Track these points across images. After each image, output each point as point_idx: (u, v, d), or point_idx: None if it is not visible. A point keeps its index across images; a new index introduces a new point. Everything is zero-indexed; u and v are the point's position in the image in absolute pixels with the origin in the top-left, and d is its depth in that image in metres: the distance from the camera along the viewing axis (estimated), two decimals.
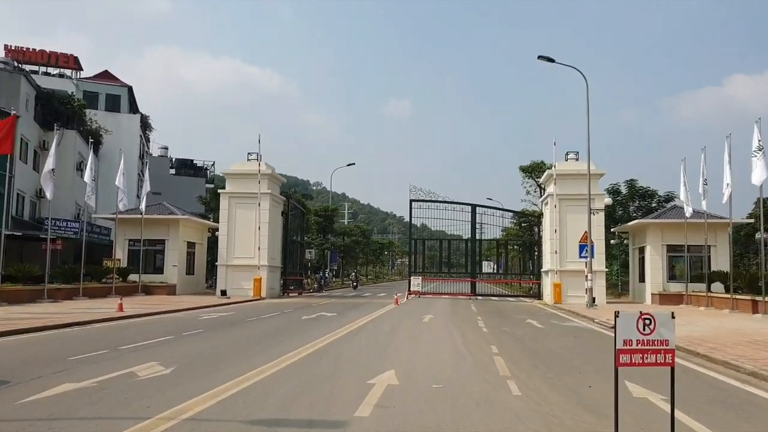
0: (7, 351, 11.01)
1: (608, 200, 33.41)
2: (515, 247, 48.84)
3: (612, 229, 36.99)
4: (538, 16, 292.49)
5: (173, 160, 72.05)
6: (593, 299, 26.21)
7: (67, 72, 53.07)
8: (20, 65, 44.25)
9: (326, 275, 53.97)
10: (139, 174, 51.86)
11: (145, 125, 59.95)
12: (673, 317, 4.98)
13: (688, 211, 27.51)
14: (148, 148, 64.16)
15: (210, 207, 48.68)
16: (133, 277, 32.61)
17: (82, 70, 54.42)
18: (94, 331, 14.96)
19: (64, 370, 8.89)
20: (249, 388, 7.64)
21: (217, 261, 34.36)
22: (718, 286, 26.63)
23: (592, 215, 27.39)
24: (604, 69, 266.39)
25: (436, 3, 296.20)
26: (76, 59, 53.35)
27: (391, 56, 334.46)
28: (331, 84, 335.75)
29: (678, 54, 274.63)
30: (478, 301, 32.18)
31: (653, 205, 41.10)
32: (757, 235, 39.38)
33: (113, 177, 30.98)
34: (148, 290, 32.04)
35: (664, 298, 29.41)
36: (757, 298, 21.57)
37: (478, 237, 36.28)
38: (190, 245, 37.05)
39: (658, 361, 4.76)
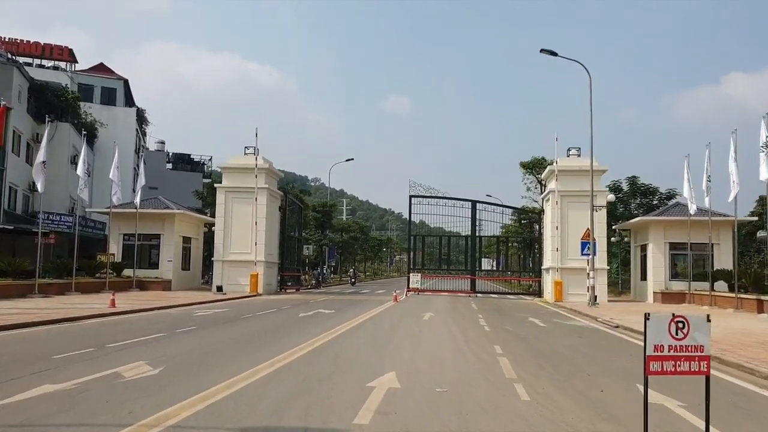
0: None
1: (611, 197, 32.91)
2: (514, 244, 48.37)
3: (614, 227, 36.52)
4: (536, 15, 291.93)
5: (170, 154, 71.41)
6: (595, 297, 25.78)
7: (62, 65, 52.41)
8: (14, 57, 43.65)
9: (324, 271, 53.50)
10: (134, 168, 51.24)
11: (141, 119, 59.32)
12: (709, 320, 4.47)
13: (692, 208, 27.09)
14: (145, 142, 63.52)
15: (207, 202, 48.17)
16: (127, 272, 32.12)
17: (77, 62, 53.77)
18: (83, 327, 14.47)
19: (46, 369, 8.42)
20: (241, 391, 7.17)
21: (213, 256, 33.87)
22: (721, 285, 26.20)
23: (594, 212, 26.94)
24: (603, 68, 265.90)
25: (436, 1, 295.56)
26: (71, 51, 52.67)
27: (390, 53, 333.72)
28: (330, 81, 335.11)
29: (676, 53, 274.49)
30: (478, 299, 31.73)
31: (654, 202, 40.63)
32: (759, 233, 39.04)
33: (109, 171, 30.46)
34: (142, 286, 31.54)
35: (666, 296, 28.97)
36: (763, 298, 21.17)
37: (477, 234, 35.79)
38: (186, 240, 36.56)
39: (692, 369, 4.30)
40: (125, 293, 27.85)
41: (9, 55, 42.10)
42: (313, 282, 45.97)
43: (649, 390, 7.85)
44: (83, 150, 27.52)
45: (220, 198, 33.78)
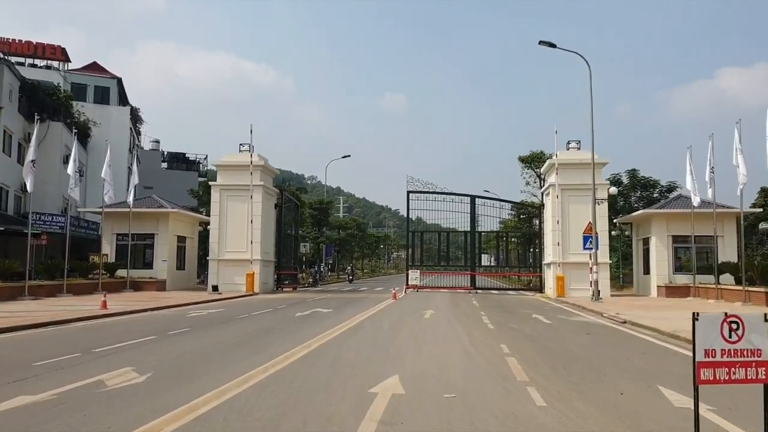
0: None
1: (613, 189, 32.38)
2: (513, 239, 47.82)
3: (615, 220, 36.00)
4: (531, 11, 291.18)
5: (165, 153, 70.67)
6: (598, 292, 25.27)
7: (55, 64, 51.67)
8: (5, 56, 42.92)
9: (321, 269, 52.84)
10: (129, 167, 50.54)
11: (135, 118, 58.61)
12: (767, 320, 3.89)
13: (696, 200, 26.57)
14: (139, 141, 62.86)
15: (202, 200, 47.51)
16: (121, 272, 31.43)
17: (70, 62, 52.98)
18: (71, 331, 13.88)
19: (24, 378, 7.84)
20: (232, 401, 6.60)
21: (208, 255, 33.25)
22: (727, 278, 25.71)
23: (597, 205, 26.41)
24: (597, 64, 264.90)
25: None
26: (63, 50, 51.91)
27: (386, 50, 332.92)
28: (326, 78, 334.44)
29: (669, 48, 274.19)
30: (478, 295, 31.18)
31: (655, 195, 40.19)
32: (762, 225, 38.56)
33: (111, 172, 29.62)
34: (136, 286, 30.91)
35: (670, 290, 28.43)
36: None
37: (477, 229, 35.23)
38: (181, 239, 35.91)
39: (749, 377, 3.74)
40: (118, 294, 27.25)
41: (0, 55, 41.44)
42: (311, 280, 45.36)
43: (671, 392, 7.35)
44: (74, 148, 26.87)
45: (214, 196, 33.17)
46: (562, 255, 29.65)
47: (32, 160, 23.33)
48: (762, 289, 21.48)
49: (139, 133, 62.15)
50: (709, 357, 3.82)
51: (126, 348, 10.75)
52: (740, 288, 22.70)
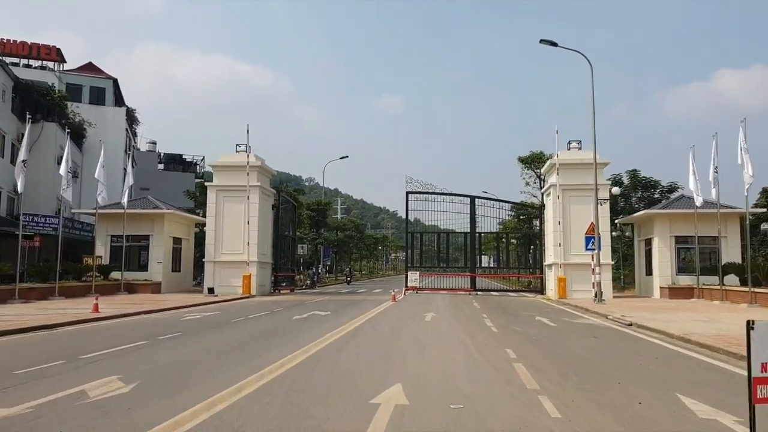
0: None
1: (616, 189, 31.94)
2: (513, 240, 47.33)
3: (616, 221, 35.55)
4: (530, 9, 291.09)
5: (162, 155, 70.14)
6: (600, 294, 24.81)
7: (50, 64, 51.11)
8: None
9: (319, 271, 52.33)
10: (125, 168, 50.05)
11: (131, 119, 58.03)
12: None
13: (699, 200, 26.13)
14: (135, 143, 62.28)
15: (199, 201, 47.01)
16: (115, 274, 30.93)
17: (65, 62, 52.39)
18: (59, 336, 13.38)
19: (3, 389, 7.34)
20: (222, 414, 6.12)
21: (204, 257, 32.74)
22: (732, 279, 25.30)
23: (599, 205, 25.97)
24: (595, 65, 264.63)
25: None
26: (58, 51, 51.33)
27: (384, 51, 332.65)
28: (324, 80, 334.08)
29: (666, 49, 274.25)
30: (478, 297, 30.72)
31: (656, 196, 39.75)
32: (763, 226, 38.16)
33: (105, 173, 29.04)
34: (131, 288, 30.40)
35: (673, 291, 27.99)
36: None
37: (477, 230, 34.75)
38: (176, 241, 35.41)
39: None
40: (112, 297, 26.74)
41: None
42: (308, 282, 44.83)
43: (693, 402, 6.88)
44: (67, 148, 26.32)
45: (211, 197, 32.64)
46: (563, 256, 29.20)
47: (23, 161, 22.84)
48: None
49: (135, 135, 61.58)
50: (767, 372, 3.33)
51: (114, 354, 10.26)
52: (746, 289, 22.30)
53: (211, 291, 29.66)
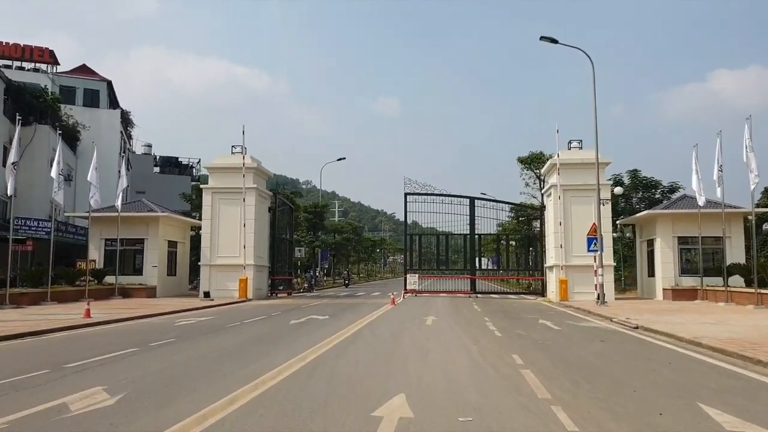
0: None
1: (619, 189, 31.54)
2: (512, 242, 46.88)
3: (617, 221, 35.12)
4: (528, 10, 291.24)
5: (157, 158, 69.62)
6: (603, 296, 24.37)
7: (43, 67, 50.57)
8: None
9: (317, 274, 51.86)
10: (120, 171, 49.50)
11: (126, 121, 57.57)
12: None
13: (701, 200, 25.75)
14: (131, 145, 61.79)
15: (195, 204, 46.51)
16: (109, 279, 30.41)
17: (58, 64, 51.94)
18: (47, 343, 12.89)
19: None
20: (214, 428, 5.66)
21: (200, 261, 32.23)
22: (737, 280, 24.88)
23: (601, 205, 25.56)
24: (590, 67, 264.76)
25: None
26: (51, 53, 50.84)
27: (379, 53, 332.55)
28: (319, 84, 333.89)
29: (663, 50, 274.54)
30: (479, 300, 30.27)
31: (657, 196, 39.37)
32: (765, 226, 37.77)
33: (97, 176, 28.51)
34: (126, 293, 29.89)
35: (676, 293, 27.57)
36: None
37: (476, 232, 34.28)
38: (172, 244, 34.89)
39: None
40: (106, 302, 26.24)
41: None
42: (306, 285, 44.35)
43: (718, 412, 6.41)
44: (58, 150, 25.79)
45: (206, 199, 32.14)
46: (564, 258, 28.76)
47: (13, 163, 22.32)
48: None
49: (130, 137, 61.11)
50: None
51: (101, 362, 9.78)
52: (752, 290, 21.90)
53: (207, 295, 29.16)
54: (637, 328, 15.62)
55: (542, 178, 40.03)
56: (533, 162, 41.81)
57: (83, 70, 55.86)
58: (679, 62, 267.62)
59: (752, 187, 21.04)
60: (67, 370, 9.00)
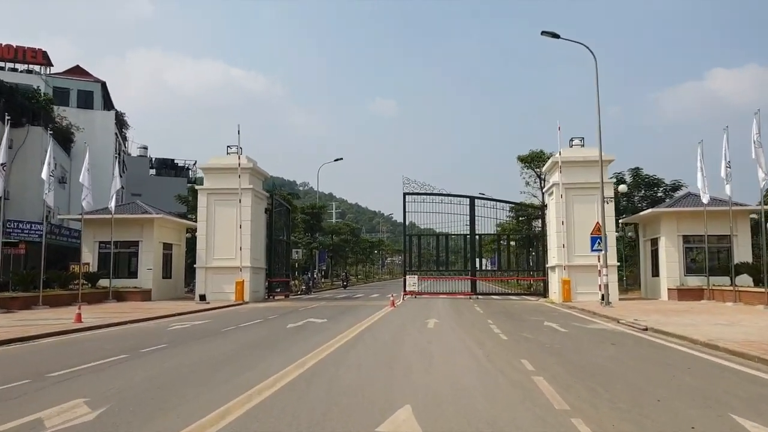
0: None
1: (623, 187, 31.02)
2: (512, 243, 46.34)
3: (620, 220, 34.57)
4: (526, 9, 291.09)
5: (153, 160, 69.03)
6: (608, 296, 23.82)
7: (36, 68, 49.92)
8: None
9: (314, 276, 51.29)
10: (114, 173, 48.86)
11: (120, 123, 56.90)
12: None
13: (706, 198, 25.22)
14: (126, 147, 61.15)
15: (191, 206, 45.91)
16: (104, 282, 29.78)
17: (52, 65, 51.33)
18: (33, 349, 12.32)
19: None
20: None
21: (196, 263, 31.62)
22: (744, 279, 24.34)
23: (605, 204, 25.02)
24: (589, 67, 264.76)
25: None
26: (45, 54, 50.20)
27: (376, 54, 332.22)
28: (316, 84, 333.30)
29: (659, 50, 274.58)
30: (480, 301, 29.72)
31: (659, 194, 38.86)
32: None
33: (90, 177, 27.83)
34: (120, 296, 29.26)
35: (682, 293, 27.04)
36: None
37: (477, 232, 33.70)
38: (167, 247, 34.28)
39: None
40: (99, 305, 25.65)
41: None
42: (303, 287, 43.75)
43: (754, 424, 5.87)
44: (50, 150, 25.19)
45: (201, 200, 31.55)
46: (567, 257, 28.21)
47: (2, 164, 21.72)
48: None
49: (125, 139, 60.46)
50: None
51: (87, 371, 9.21)
52: (761, 290, 21.39)
53: (202, 298, 28.59)
54: (646, 329, 15.09)
55: (543, 176, 39.53)
56: (533, 161, 41.29)
57: (77, 71, 55.24)
58: (675, 61, 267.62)
59: (762, 184, 20.45)
60: (49, 380, 8.43)
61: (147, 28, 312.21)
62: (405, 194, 33.63)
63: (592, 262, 26.23)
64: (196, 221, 34.93)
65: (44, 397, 7.32)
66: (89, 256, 31.27)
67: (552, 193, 30.17)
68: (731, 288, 23.68)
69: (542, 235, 32.97)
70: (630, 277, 39.37)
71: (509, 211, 39.07)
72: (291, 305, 27.33)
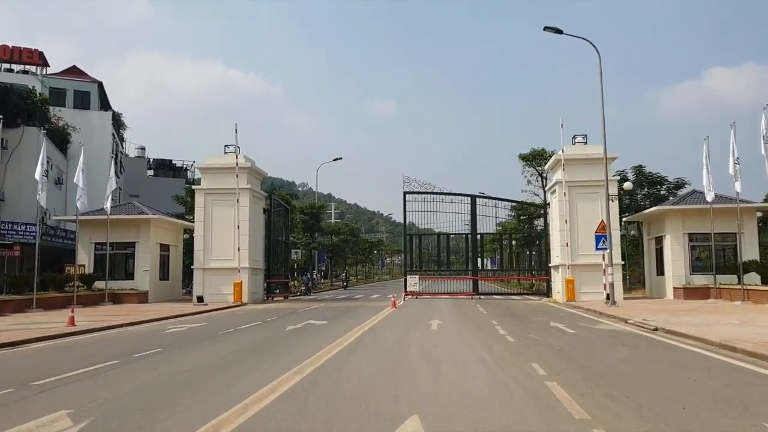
0: None
1: (628, 185, 30.46)
2: (513, 242, 45.85)
3: (623, 219, 34.09)
4: (525, 9, 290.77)
5: (150, 160, 68.49)
6: (613, 295, 23.34)
7: (32, 68, 49.40)
8: None
9: (314, 276, 50.77)
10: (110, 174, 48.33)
11: (118, 123, 56.40)
12: None
13: (710, 195, 24.74)
14: (123, 148, 60.63)
15: (189, 207, 45.45)
16: (100, 284, 29.28)
17: (48, 66, 50.82)
18: (22, 355, 11.83)
19: None
20: None
21: (193, 264, 31.12)
22: (752, 278, 23.87)
23: (609, 202, 24.55)
24: (588, 66, 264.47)
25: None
26: (41, 54, 49.71)
27: (375, 54, 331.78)
28: (315, 85, 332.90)
29: (657, 49, 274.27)
30: (482, 301, 29.25)
31: (663, 192, 38.39)
32: None
33: (84, 177, 27.31)
34: (116, 299, 28.76)
35: (688, 291, 26.59)
36: None
37: (478, 231, 33.22)
38: (164, 248, 33.77)
39: None
40: (95, 308, 25.16)
41: None
42: (303, 288, 43.26)
43: None
44: (43, 150, 24.64)
45: (199, 201, 31.06)
46: (570, 256, 27.76)
47: None
48: None
49: (122, 140, 59.95)
50: None
51: (74, 379, 8.72)
52: None
53: (200, 300, 28.10)
54: (656, 330, 14.63)
55: (545, 175, 39.06)
56: (535, 159, 40.81)
57: (73, 71, 54.74)
58: (673, 61, 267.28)
59: None
60: (32, 390, 7.94)
61: (146, 30, 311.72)
62: (405, 193, 33.17)
63: (595, 261, 25.79)
64: (193, 222, 34.47)
65: (25, 408, 6.83)
66: (85, 258, 30.78)
67: (555, 191, 29.71)
68: (739, 287, 23.20)
69: (544, 233, 32.52)
70: (632, 276, 38.89)
71: (510, 210, 38.67)
72: (290, 306, 26.85)
